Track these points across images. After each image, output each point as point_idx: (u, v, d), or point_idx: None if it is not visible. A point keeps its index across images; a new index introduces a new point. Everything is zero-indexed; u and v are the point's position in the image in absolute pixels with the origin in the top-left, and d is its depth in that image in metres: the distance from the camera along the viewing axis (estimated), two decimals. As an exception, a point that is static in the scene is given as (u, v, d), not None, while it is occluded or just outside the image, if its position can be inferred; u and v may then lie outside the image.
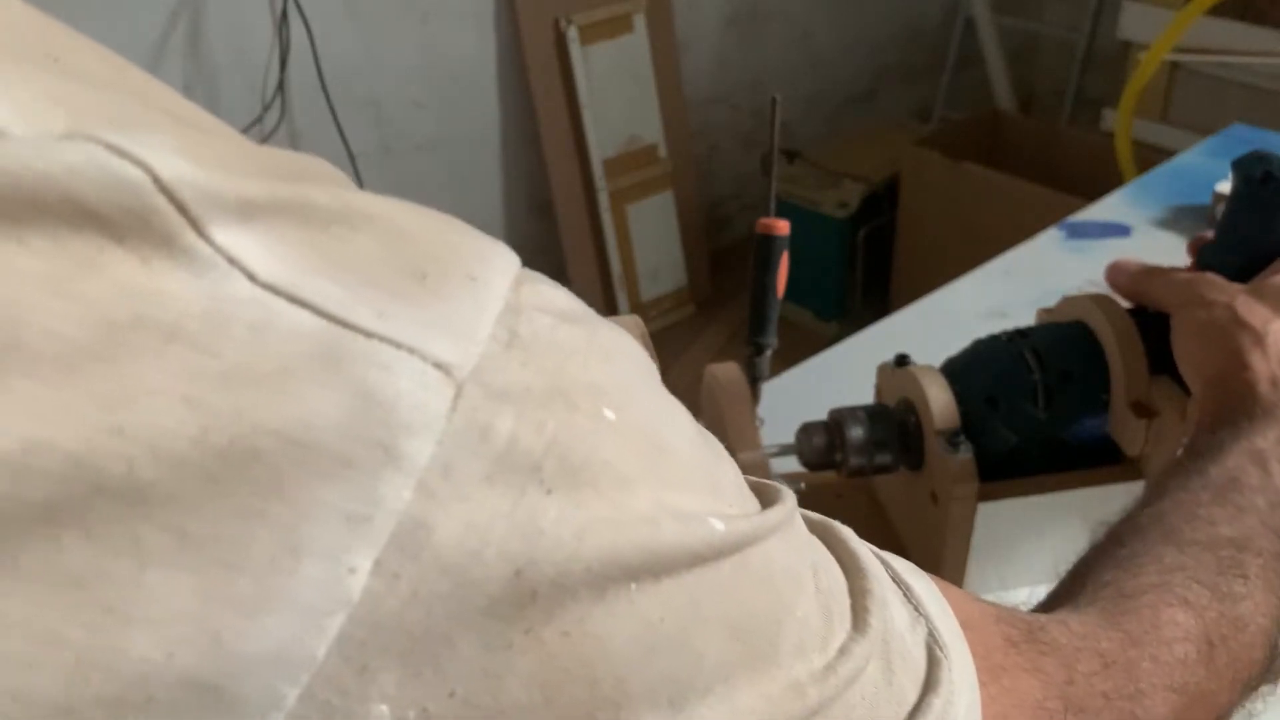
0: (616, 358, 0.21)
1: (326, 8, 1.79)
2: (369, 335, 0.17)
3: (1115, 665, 0.32)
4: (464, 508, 0.17)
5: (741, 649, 0.21)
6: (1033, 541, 0.61)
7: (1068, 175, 2.05)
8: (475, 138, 2.10)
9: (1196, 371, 0.50)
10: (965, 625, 0.29)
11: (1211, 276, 0.51)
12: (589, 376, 0.20)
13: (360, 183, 0.21)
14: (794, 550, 0.24)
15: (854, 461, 0.58)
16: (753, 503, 0.24)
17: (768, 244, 0.59)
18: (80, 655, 0.15)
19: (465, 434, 0.17)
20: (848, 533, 0.28)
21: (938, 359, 0.59)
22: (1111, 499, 0.57)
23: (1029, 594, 0.39)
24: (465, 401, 0.17)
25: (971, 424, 0.56)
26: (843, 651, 0.24)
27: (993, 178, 2.07)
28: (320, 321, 0.16)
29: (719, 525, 0.21)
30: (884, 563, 0.28)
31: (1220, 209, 0.58)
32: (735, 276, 2.42)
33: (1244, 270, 0.52)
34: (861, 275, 2.27)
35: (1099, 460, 0.59)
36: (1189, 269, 0.57)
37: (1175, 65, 2.04)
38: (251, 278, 0.16)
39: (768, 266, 0.59)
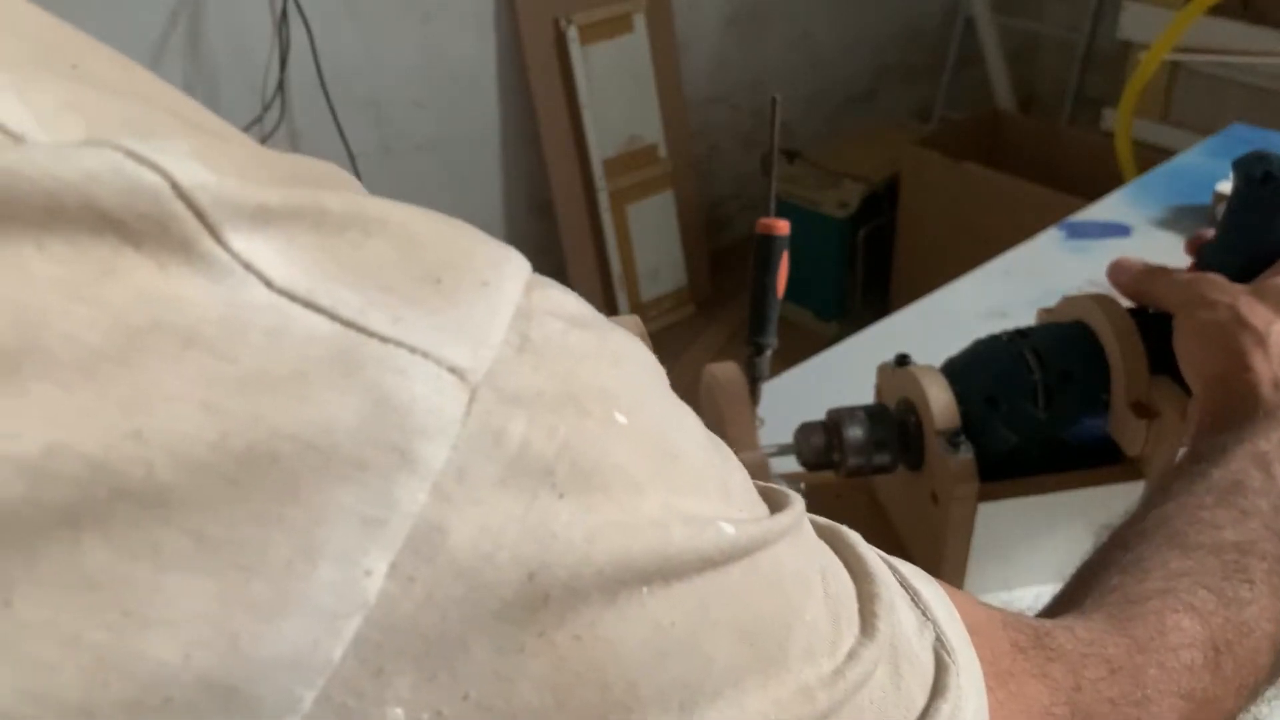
0: (626, 362, 0.21)
1: (326, 8, 1.79)
2: (384, 340, 0.17)
3: (1122, 671, 0.32)
4: (478, 511, 0.17)
5: (751, 653, 0.21)
6: (1033, 542, 0.61)
7: (1068, 175, 2.05)
8: (475, 138, 2.10)
9: (1198, 372, 0.50)
10: (972, 630, 0.29)
11: (1214, 277, 0.51)
12: (600, 381, 0.20)
13: (360, 183, 0.21)
14: (803, 555, 0.24)
15: (852, 462, 0.58)
16: (762, 507, 0.24)
17: (768, 244, 0.59)
18: (99, 657, 0.15)
19: (479, 438, 0.17)
20: (855, 537, 0.28)
21: (938, 359, 0.59)
22: (1112, 499, 0.57)
23: (1035, 597, 0.39)
24: (479, 406, 0.18)
25: (972, 424, 0.56)
26: (851, 656, 0.24)
27: (993, 178, 2.07)
28: (335, 326, 0.17)
29: (729, 529, 0.21)
30: (891, 567, 0.28)
31: (1221, 209, 0.58)
32: (735, 276, 2.42)
33: (1245, 270, 0.52)
34: (861, 275, 2.27)
35: (1099, 460, 0.59)
36: (1189, 269, 0.57)
37: (1175, 65, 2.04)
38: (268, 284, 0.16)
39: (768, 266, 0.59)
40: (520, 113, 2.11)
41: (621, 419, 0.20)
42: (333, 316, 0.17)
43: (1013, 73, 2.53)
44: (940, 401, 0.56)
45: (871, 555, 0.27)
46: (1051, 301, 0.61)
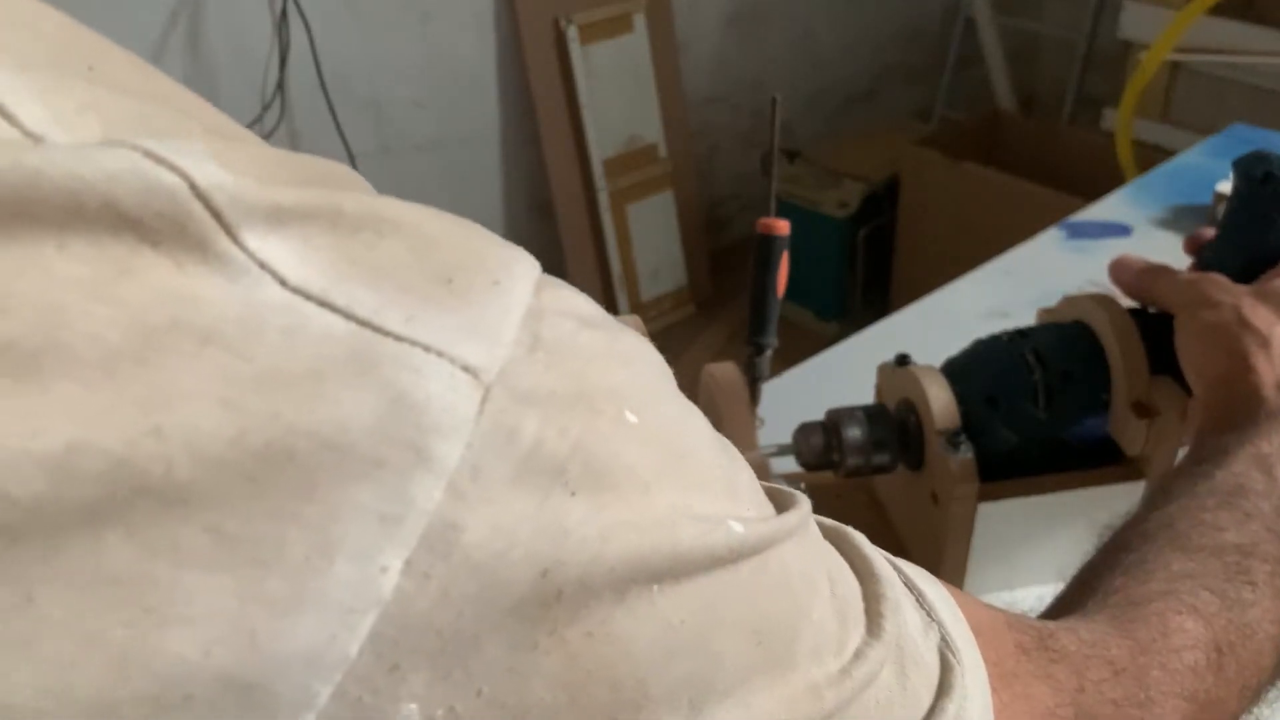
0: (636, 362, 0.21)
1: (326, 7, 1.79)
2: (399, 339, 0.17)
3: (1125, 673, 0.32)
4: (491, 509, 0.17)
5: (759, 652, 0.21)
6: (1033, 542, 0.61)
7: (1068, 175, 2.05)
8: (475, 138, 2.10)
9: (1199, 373, 0.50)
10: (976, 632, 0.29)
11: (1216, 277, 0.51)
12: (611, 380, 0.20)
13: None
14: (809, 555, 0.24)
15: (851, 462, 0.58)
16: (769, 507, 0.24)
17: (768, 244, 0.59)
18: (119, 654, 0.15)
19: (493, 436, 0.18)
20: (860, 538, 0.28)
21: (938, 359, 0.59)
22: (1112, 499, 0.57)
23: (1037, 598, 0.39)
24: (492, 404, 0.18)
25: (972, 424, 0.56)
26: (858, 655, 0.24)
27: (993, 178, 2.07)
28: (351, 325, 0.17)
29: (738, 528, 0.21)
30: (896, 568, 0.28)
31: (1221, 209, 0.58)
32: (735, 276, 2.42)
33: (1245, 270, 0.52)
34: (861, 275, 2.27)
35: (1099, 460, 0.59)
36: (1189, 269, 0.57)
37: (1176, 65, 2.04)
38: (283, 283, 0.16)
39: (768, 266, 0.59)
40: (520, 113, 2.11)
41: (632, 418, 0.20)
42: (348, 315, 0.17)
43: (1013, 73, 2.53)
44: (940, 401, 0.56)
45: (877, 556, 0.27)
46: (1052, 301, 0.61)
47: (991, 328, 0.59)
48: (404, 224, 0.18)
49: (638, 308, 2.29)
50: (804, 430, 0.59)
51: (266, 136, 1.76)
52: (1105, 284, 0.57)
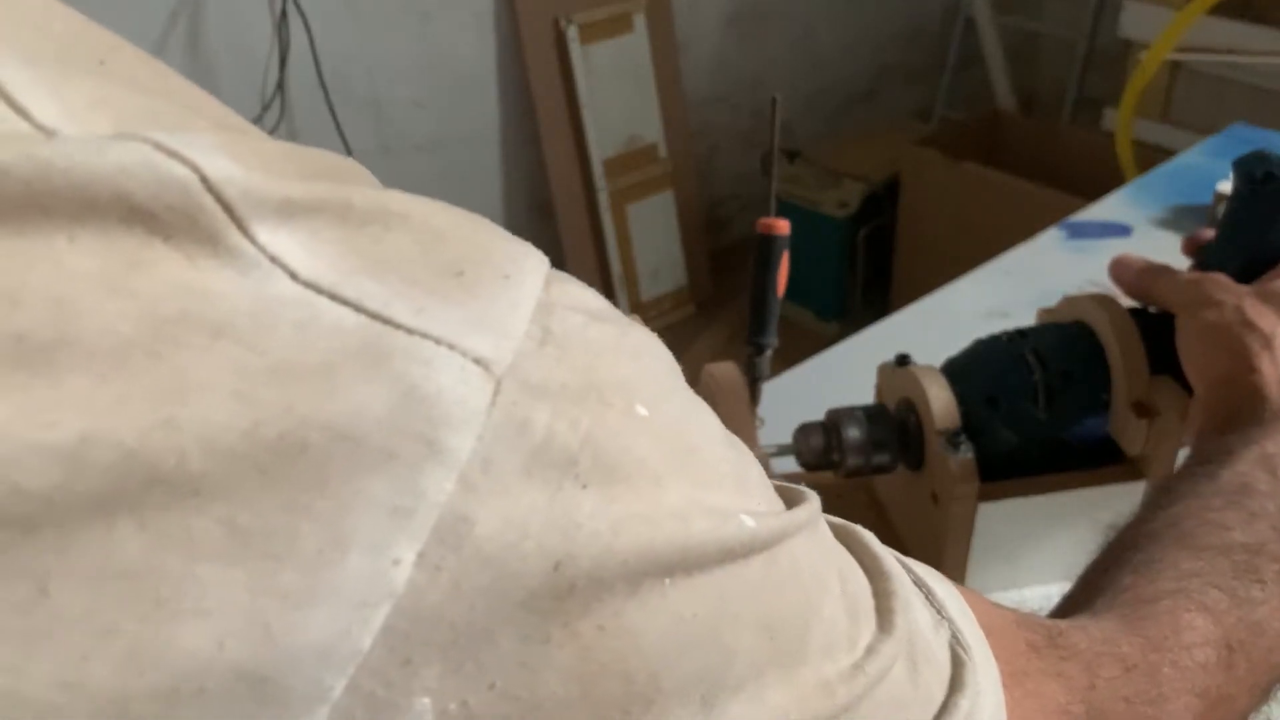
0: (645, 357, 0.21)
1: (326, 7, 1.79)
2: (410, 331, 0.17)
3: (1136, 670, 0.32)
4: (503, 502, 0.17)
5: (771, 647, 0.21)
6: (1034, 542, 0.61)
7: (1068, 175, 2.05)
8: (475, 137, 2.09)
9: (1201, 373, 0.49)
10: (987, 630, 0.29)
11: (1218, 277, 0.51)
12: (620, 374, 0.20)
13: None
14: (819, 550, 0.24)
15: (851, 462, 0.58)
16: (779, 503, 0.24)
17: (768, 244, 0.59)
18: (133, 647, 0.15)
19: (504, 428, 0.18)
20: (869, 536, 0.28)
21: (938, 359, 0.59)
22: (1113, 499, 0.57)
23: (1043, 598, 0.39)
24: (504, 397, 0.18)
25: (972, 424, 0.56)
26: (869, 651, 0.24)
27: (993, 178, 2.07)
28: (362, 318, 0.17)
29: (749, 522, 0.21)
30: (905, 566, 0.28)
31: (1221, 209, 0.58)
32: (735, 276, 2.42)
33: (1245, 270, 0.52)
34: (862, 275, 2.27)
35: (1100, 460, 0.59)
36: (1190, 269, 0.57)
37: (1176, 65, 2.04)
38: (293, 276, 0.16)
39: (768, 266, 0.59)
40: (520, 113, 2.11)
41: (643, 411, 0.20)
42: (359, 309, 0.17)
43: (1013, 73, 2.53)
44: (941, 401, 0.56)
45: (886, 554, 0.27)
46: (1052, 301, 0.61)
47: (991, 328, 0.59)
48: (412, 217, 0.18)
49: (638, 308, 2.29)
50: (804, 430, 0.59)
51: (266, 136, 1.76)
52: (1105, 284, 0.57)
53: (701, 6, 2.31)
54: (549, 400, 0.18)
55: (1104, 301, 0.56)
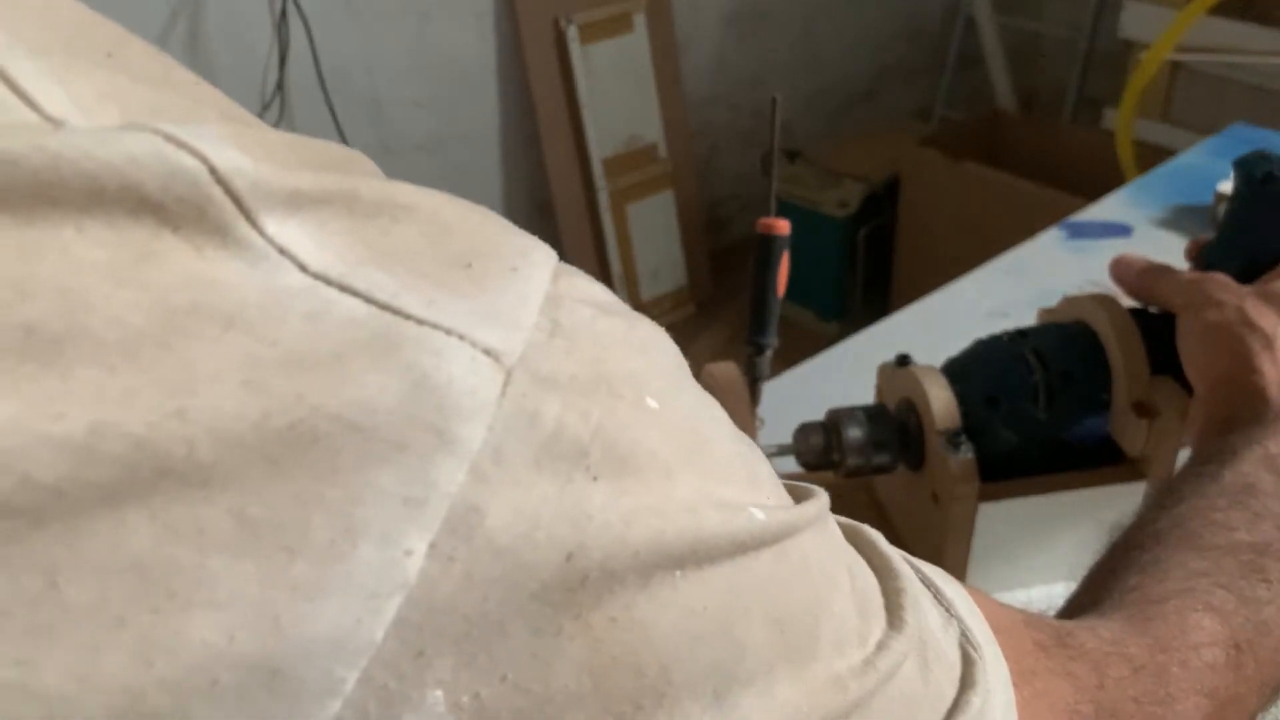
0: (653, 350, 0.21)
1: (326, 6, 1.79)
2: (420, 322, 0.17)
3: (1145, 670, 0.32)
4: (514, 492, 0.17)
5: (782, 641, 0.21)
6: (1034, 542, 0.61)
7: (1069, 175, 2.05)
8: (475, 137, 2.09)
9: (1202, 373, 0.49)
10: (995, 629, 0.29)
11: (1219, 277, 0.51)
12: (630, 366, 0.20)
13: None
14: (828, 546, 0.24)
15: (851, 462, 0.58)
16: (788, 498, 0.24)
17: (768, 244, 0.59)
18: (144, 639, 0.15)
19: (514, 419, 0.18)
20: (877, 536, 0.28)
21: (938, 359, 0.59)
22: (1113, 499, 0.57)
23: (1047, 599, 0.39)
24: (514, 388, 0.18)
25: (972, 424, 0.56)
26: (880, 647, 0.24)
27: (993, 177, 2.07)
28: (372, 309, 0.17)
29: (760, 515, 0.21)
30: (913, 566, 0.28)
31: (1222, 209, 0.58)
32: (735, 276, 2.42)
33: (1246, 270, 0.52)
34: (862, 275, 2.27)
35: (1100, 460, 0.59)
36: (1191, 269, 0.57)
37: (1177, 65, 2.04)
38: (302, 268, 0.16)
39: (768, 266, 0.59)
40: (520, 112, 2.11)
41: (653, 404, 0.20)
42: (369, 300, 0.17)
43: (1013, 72, 2.53)
44: (941, 401, 0.56)
45: (894, 553, 0.27)
46: (1052, 301, 0.61)
47: (992, 328, 0.59)
48: (420, 209, 0.18)
49: (638, 308, 2.26)
50: (804, 430, 0.59)
51: (266, 136, 1.76)
52: (1106, 284, 0.57)
53: (701, 6, 2.31)
54: (559, 392, 0.18)
55: (1104, 301, 0.56)
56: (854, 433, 0.58)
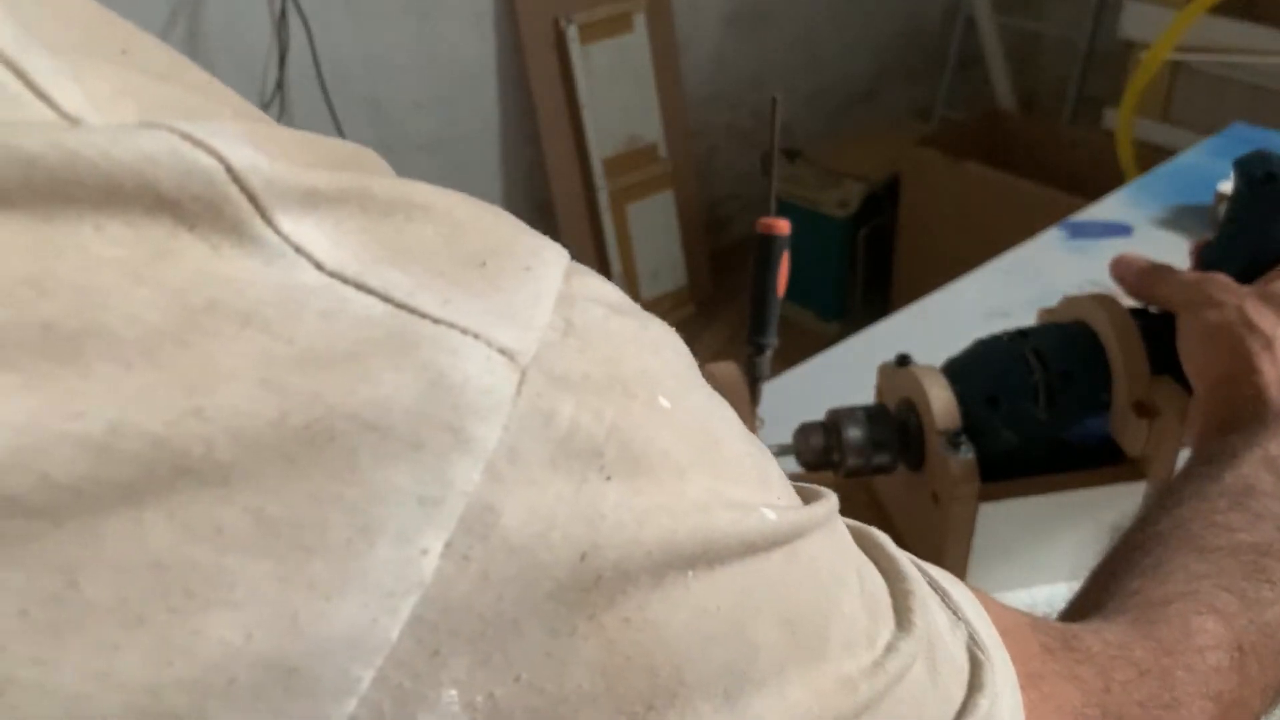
0: (664, 350, 0.21)
1: (326, 6, 1.79)
2: (436, 321, 0.17)
3: (1150, 674, 0.32)
4: (529, 492, 0.17)
5: (793, 642, 0.21)
6: (1034, 542, 0.61)
7: (1069, 175, 2.05)
8: (475, 137, 2.09)
9: (1202, 373, 0.49)
10: (1002, 633, 0.29)
11: (1219, 277, 0.51)
12: (642, 366, 0.20)
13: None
14: (838, 547, 0.24)
15: (851, 462, 0.58)
16: (797, 499, 0.24)
17: (768, 244, 0.59)
18: (163, 638, 0.15)
19: (530, 419, 0.18)
20: (884, 538, 0.28)
21: (939, 359, 0.59)
22: (1113, 499, 0.57)
23: (1048, 599, 0.39)
24: (529, 387, 0.18)
25: (972, 424, 0.56)
26: (889, 649, 0.24)
27: (993, 177, 2.07)
28: (388, 308, 0.17)
29: (771, 515, 0.21)
30: (920, 569, 0.28)
31: (1222, 209, 0.58)
32: (735, 276, 2.42)
33: (1246, 270, 0.52)
34: (862, 275, 2.27)
35: (1100, 460, 0.58)
36: (1191, 269, 0.57)
37: (1177, 64, 2.04)
38: (318, 266, 0.16)
39: (768, 266, 0.59)
40: (520, 112, 2.11)
41: (665, 404, 0.20)
42: (385, 298, 0.17)
43: (1013, 72, 2.53)
44: (941, 401, 0.56)
45: (902, 556, 0.27)
46: (1052, 301, 0.61)
47: (992, 328, 0.59)
48: (434, 208, 0.18)
49: (638, 307, 2.29)
50: (804, 430, 0.59)
51: (266, 136, 1.76)
52: (1106, 284, 0.57)
53: (701, 6, 2.31)
54: (573, 391, 0.18)
55: (1104, 301, 0.56)
56: (854, 433, 0.58)
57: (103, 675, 0.14)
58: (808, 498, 0.24)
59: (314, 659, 0.16)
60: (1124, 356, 0.54)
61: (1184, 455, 0.48)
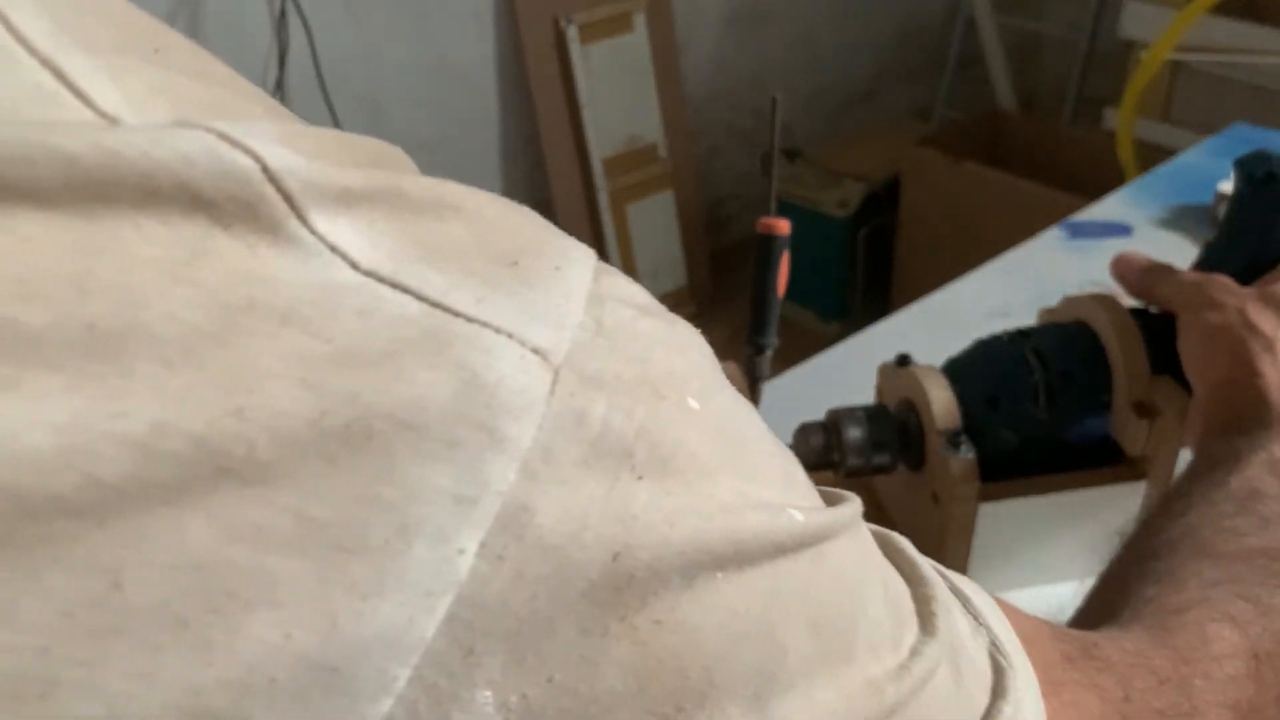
0: (691, 351, 0.21)
1: (325, 6, 1.79)
2: (470, 320, 0.17)
3: (1169, 683, 0.32)
4: (562, 491, 0.17)
5: (820, 644, 0.21)
6: (1034, 542, 0.61)
7: (1069, 175, 2.05)
8: (475, 137, 2.09)
9: (1202, 374, 0.49)
10: (1023, 640, 0.29)
11: (1220, 278, 0.51)
12: (671, 367, 0.20)
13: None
14: (862, 550, 0.24)
15: (851, 462, 0.58)
16: (821, 501, 0.24)
17: (768, 244, 0.59)
18: (205, 638, 0.15)
19: (563, 418, 0.18)
20: (906, 543, 0.28)
21: (939, 359, 0.59)
22: (1113, 500, 0.57)
23: (1049, 600, 0.39)
24: (562, 387, 0.18)
25: (973, 424, 0.56)
26: (914, 652, 0.24)
27: (993, 177, 2.07)
28: (423, 306, 0.17)
29: (799, 516, 0.21)
30: (941, 574, 0.28)
31: (1223, 209, 0.58)
32: (735, 276, 2.42)
33: (1247, 271, 0.52)
34: (862, 275, 2.27)
35: (1100, 460, 0.58)
36: (1191, 269, 0.57)
37: (1177, 64, 2.04)
38: (354, 265, 0.16)
39: (768, 266, 0.59)
40: (520, 112, 2.11)
41: (694, 405, 0.20)
42: (419, 297, 0.17)
43: (1013, 72, 2.53)
44: (941, 401, 0.55)
45: (923, 561, 0.27)
46: (1052, 301, 0.61)
47: (992, 328, 0.59)
48: (465, 208, 0.18)
49: (638, 307, 2.29)
50: (804, 430, 0.59)
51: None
52: (1106, 284, 0.57)
53: (701, 6, 2.31)
54: (604, 391, 0.18)
55: (1105, 301, 0.56)
56: (854, 433, 0.58)
57: (145, 676, 0.15)
58: (831, 500, 0.24)
59: (352, 658, 0.16)
60: (1124, 356, 0.54)
61: (1184, 456, 0.48)
